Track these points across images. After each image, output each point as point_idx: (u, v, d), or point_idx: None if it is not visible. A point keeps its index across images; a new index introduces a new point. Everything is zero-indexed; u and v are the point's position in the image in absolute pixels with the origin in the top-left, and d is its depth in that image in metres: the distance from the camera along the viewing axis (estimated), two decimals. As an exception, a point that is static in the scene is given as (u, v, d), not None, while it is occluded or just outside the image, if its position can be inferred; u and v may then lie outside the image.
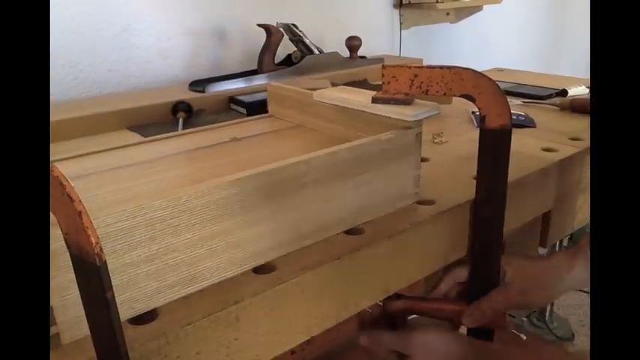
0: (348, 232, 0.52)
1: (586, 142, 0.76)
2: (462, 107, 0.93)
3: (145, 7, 1.16)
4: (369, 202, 0.53)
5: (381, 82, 0.56)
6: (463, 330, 0.61)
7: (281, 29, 1.21)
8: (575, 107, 0.95)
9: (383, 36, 1.67)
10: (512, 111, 0.52)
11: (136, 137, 0.86)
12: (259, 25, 1.19)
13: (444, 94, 0.53)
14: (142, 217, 0.37)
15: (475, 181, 0.54)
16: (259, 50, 1.19)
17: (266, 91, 0.79)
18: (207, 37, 1.27)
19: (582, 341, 1.82)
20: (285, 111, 0.75)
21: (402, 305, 0.62)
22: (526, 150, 0.73)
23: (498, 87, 0.50)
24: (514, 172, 0.59)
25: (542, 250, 0.77)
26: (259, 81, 1.15)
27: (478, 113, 0.52)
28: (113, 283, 0.31)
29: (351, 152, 0.49)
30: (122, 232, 0.37)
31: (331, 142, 0.63)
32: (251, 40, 1.33)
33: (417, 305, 0.62)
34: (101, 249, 0.29)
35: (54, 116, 0.85)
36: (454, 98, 0.84)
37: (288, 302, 0.44)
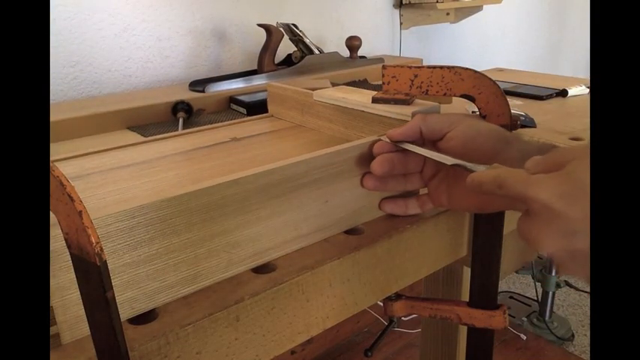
0: (348, 232, 0.52)
1: (586, 142, 0.76)
2: (462, 107, 0.93)
3: (145, 7, 1.16)
4: (369, 202, 0.53)
5: (381, 82, 0.57)
6: (463, 328, 0.61)
7: (281, 29, 1.21)
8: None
9: (383, 36, 1.67)
10: (512, 111, 0.51)
11: (136, 137, 0.86)
12: (259, 25, 1.19)
13: (444, 94, 0.53)
14: (142, 217, 0.37)
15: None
16: (259, 50, 1.19)
17: (266, 91, 0.79)
18: (207, 37, 1.27)
19: (582, 341, 1.82)
20: (285, 111, 0.75)
21: (402, 305, 0.62)
22: (526, 150, 0.73)
23: (499, 87, 0.50)
24: (514, 172, 0.58)
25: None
26: (259, 81, 1.15)
27: (478, 113, 0.52)
28: (113, 283, 0.31)
29: (350, 152, 0.49)
30: (122, 232, 0.37)
31: (331, 142, 0.63)
32: (251, 40, 1.33)
33: (417, 305, 0.62)
34: (101, 249, 0.29)
35: (54, 116, 0.85)
36: (454, 98, 0.84)
37: (288, 302, 0.44)
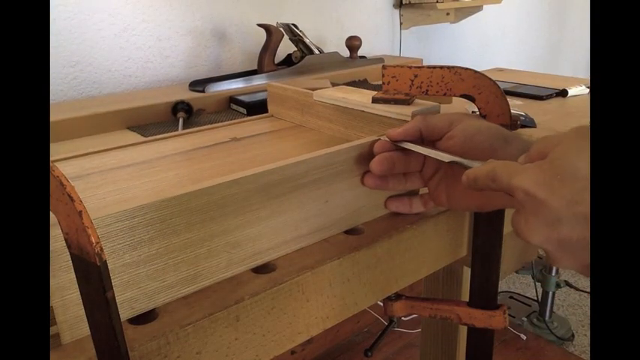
0: (348, 232, 0.52)
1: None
2: (462, 107, 0.93)
3: (145, 7, 1.16)
4: (369, 202, 0.53)
5: (381, 82, 0.57)
6: (463, 328, 0.60)
7: (281, 29, 1.21)
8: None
9: (383, 36, 1.67)
10: (512, 111, 0.51)
11: (136, 137, 0.86)
12: (259, 25, 1.19)
13: (444, 94, 0.53)
14: (142, 217, 0.37)
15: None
16: (259, 50, 1.19)
17: (266, 91, 0.79)
18: (207, 37, 1.27)
19: (582, 341, 1.82)
20: (285, 111, 0.75)
21: (402, 305, 0.62)
22: (526, 150, 0.73)
23: (499, 87, 0.51)
24: (514, 172, 0.58)
25: (542, 251, 0.77)
26: (259, 81, 1.15)
27: (478, 113, 0.52)
28: (113, 283, 0.31)
29: (350, 152, 0.49)
30: (122, 232, 0.37)
31: (331, 142, 0.63)
32: (251, 40, 1.33)
33: (417, 305, 0.62)
34: (101, 249, 0.29)
35: (54, 116, 0.85)
36: (454, 98, 0.84)
37: (288, 302, 0.44)
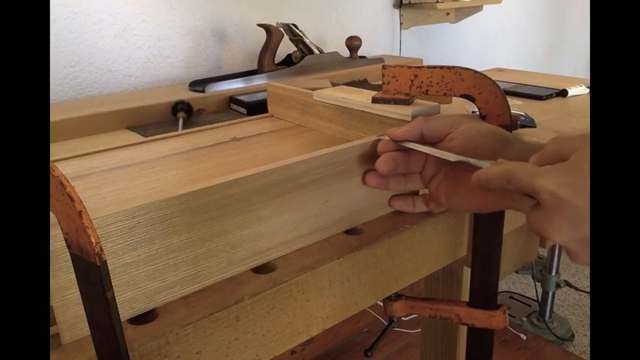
0: (348, 232, 0.52)
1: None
2: (462, 107, 0.93)
3: (145, 7, 1.16)
4: (369, 202, 0.53)
5: (381, 82, 0.57)
6: (463, 328, 0.60)
7: (281, 29, 1.21)
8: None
9: (383, 36, 1.67)
10: (512, 111, 0.51)
11: (136, 137, 0.86)
12: (259, 25, 1.19)
13: (444, 94, 0.53)
14: (142, 217, 0.37)
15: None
16: (259, 50, 1.19)
17: (266, 91, 0.79)
18: (207, 37, 1.27)
19: (582, 341, 1.82)
20: (285, 111, 0.75)
21: (402, 305, 0.62)
22: (526, 150, 0.73)
23: (498, 87, 0.50)
24: (514, 172, 0.58)
25: (542, 251, 0.77)
26: (259, 81, 1.15)
27: (478, 113, 0.52)
28: (113, 283, 0.31)
29: (351, 152, 0.49)
30: (122, 232, 0.37)
31: (331, 142, 0.63)
32: (251, 40, 1.33)
33: (417, 305, 0.62)
34: (101, 249, 0.29)
35: (54, 116, 0.85)
36: (454, 98, 0.84)
37: (288, 302, 0.44)
